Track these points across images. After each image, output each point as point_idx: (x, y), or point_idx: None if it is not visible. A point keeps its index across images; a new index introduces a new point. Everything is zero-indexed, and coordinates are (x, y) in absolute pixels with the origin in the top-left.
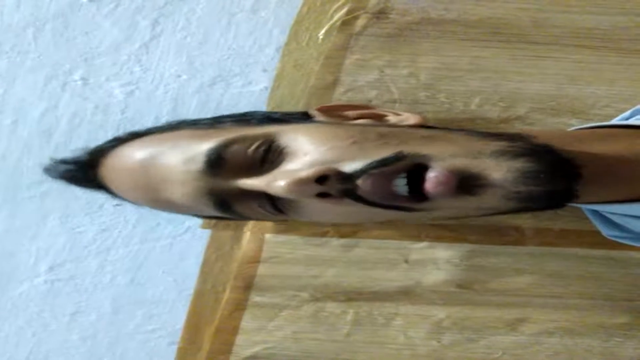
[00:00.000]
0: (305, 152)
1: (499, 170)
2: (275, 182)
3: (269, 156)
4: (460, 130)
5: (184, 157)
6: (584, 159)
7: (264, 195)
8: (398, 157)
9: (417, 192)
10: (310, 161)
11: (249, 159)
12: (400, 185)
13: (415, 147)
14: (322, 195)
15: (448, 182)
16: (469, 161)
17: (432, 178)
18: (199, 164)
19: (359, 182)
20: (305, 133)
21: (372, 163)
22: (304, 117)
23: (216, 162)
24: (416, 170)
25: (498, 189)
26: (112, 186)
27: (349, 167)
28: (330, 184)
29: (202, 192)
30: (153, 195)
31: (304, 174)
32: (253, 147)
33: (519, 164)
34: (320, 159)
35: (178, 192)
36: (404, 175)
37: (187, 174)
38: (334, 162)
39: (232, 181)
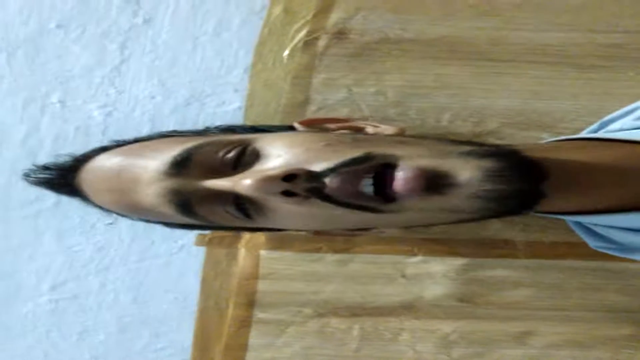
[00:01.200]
0: (279, 154)
1: (467, 168)
2: (243, 180)
3: (243, 160)
4: (435, 139)
5: (158, 158)
6: (553, 164)
7: (231, 198)
8: (367, 157)
9: (383, 194)
10: (282, 162)
11: (218, 161)
12: (367, 185)
13: (385, 149)
14: (287, 193)
15: (416, 180)
16: (437, 160)
17: (401, 176)
18: (166, 164)
19: (327, 180)
20: (282, 138)
21: (342, 162)
22: (288, 130)
23: (182, 162)
24: (383, 173)
25: (465, 188)
26: (88, 190)
27: (318, 166)
28: (297, 183)
29: (165, 191)
30: (119, 197)
31: (271, 172)
32: (224, 149)
33: (485, 163)
34: (292, 160)
35: (144, 192)
36: (372, 176)
37: (154, 173)
38: (305, 162)
39: (198, 182)
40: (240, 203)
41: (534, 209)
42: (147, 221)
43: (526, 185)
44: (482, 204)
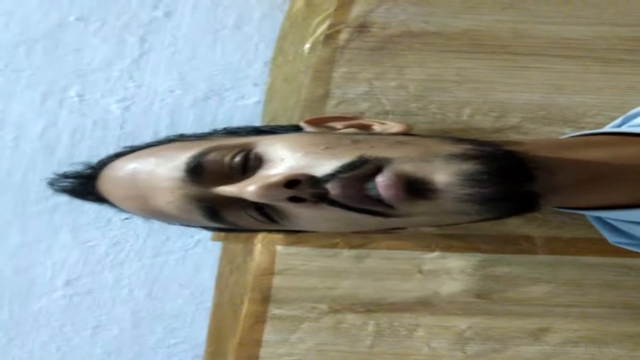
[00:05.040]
0: (282, 158)
1: (444, 173)
2: (247, 187)
3: (250, 164)
4: (441, 137)
5: (169, 165)
6: (565, 162)
7: (251, 203)
8: (361, 161)
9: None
10: (286, 167)
11: (227, 167)
12: (372, 188)
13: (379, 151)
14: (295, 199)
15: (394, 186)
16: (418, 165)
17: (380, 182)
18: (180, 171)
19: (329, 186)
20: (284, 141)
21: (339, 167)
22: (294, 129)
23: (195, 169)
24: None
25: (445, 193)
26: (109, 197)
27: (319, 171)
28: (301, 188)
29: (188, 199)
30: (143, 204)
31: (273, 179)
32: (229, 155)
33: (465, 166)
34: (295, 165)
35: (165, 199)
36: (374, 179)
37: (171, 181)
38: (308, 167)
39: (213, 188)
40: (261, 207)
41: (537, 208)
42: (178, 224)
43: (506, 188)
44: (471, 207)
